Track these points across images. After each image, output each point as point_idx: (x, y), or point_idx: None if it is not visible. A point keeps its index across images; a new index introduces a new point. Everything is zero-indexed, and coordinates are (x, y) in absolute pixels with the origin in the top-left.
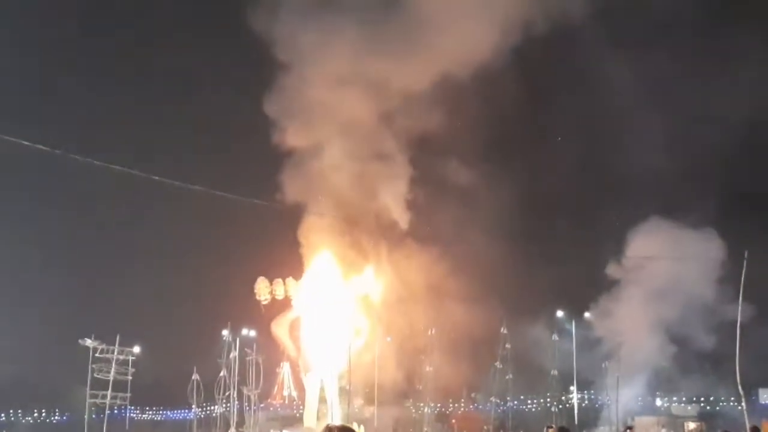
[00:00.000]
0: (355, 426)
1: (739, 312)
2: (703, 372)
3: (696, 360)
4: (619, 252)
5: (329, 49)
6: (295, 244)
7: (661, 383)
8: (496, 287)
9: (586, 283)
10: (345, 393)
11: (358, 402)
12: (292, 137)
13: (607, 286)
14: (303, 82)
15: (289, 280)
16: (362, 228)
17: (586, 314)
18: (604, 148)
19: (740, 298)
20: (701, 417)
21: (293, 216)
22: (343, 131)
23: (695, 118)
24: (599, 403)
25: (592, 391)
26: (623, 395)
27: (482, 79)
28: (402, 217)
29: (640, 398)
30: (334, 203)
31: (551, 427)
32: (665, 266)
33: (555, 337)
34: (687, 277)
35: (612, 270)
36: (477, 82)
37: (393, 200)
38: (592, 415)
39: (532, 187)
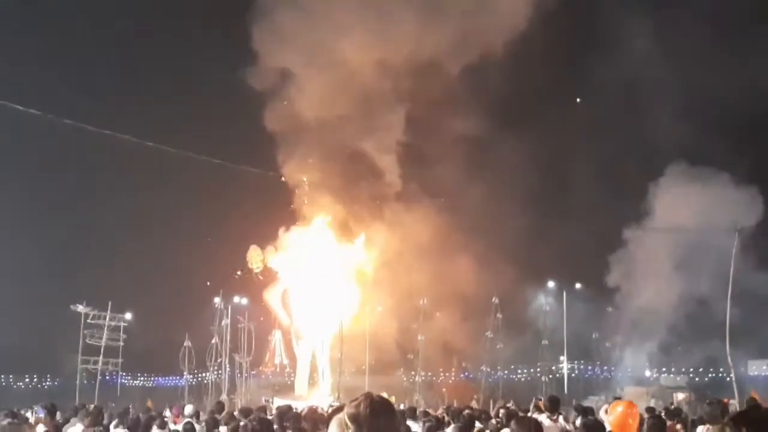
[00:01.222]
0: (393, 399)
1: (730, 286)
2: (707, 342)
3: (706, 330)
4: (637, 214)
5: None
6: (287, 211)
7: (657, 354)
8: (495, 252)
9: (597, 247)
10: (336, 361)
11: (349, 371)
12: (285, 107)
13: (619, 250)
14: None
15: (280, 248)
16: (354, 188)
17: (577, 285)
18: (627, 108)
19: (731, 270)
20: (691, 388)
21: (284, 182)
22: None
23: (723, 79)
24: (588, 373)
25: (582, 361)
26: (627, 364)
27: (500, 38)
28: (395, 176)
29: (630, 369)
30: (325, 164)
31: (540, 399)
32: (688, 225)
33: (546, 307)
34: (711, 241)
35: (629, 233)
36: (494, 40)
37: (387, 158)
38: (583, 385)
39: (542, 148)
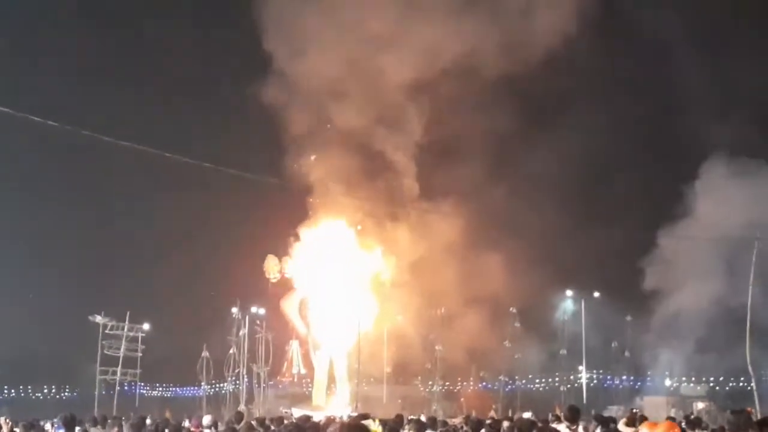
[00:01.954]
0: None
1: (750, 294)
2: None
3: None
4: (661, 216)
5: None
6: (303, 221)
7: (686, 361)
8: (514, 261)
9: (618, 255)
10: (354, 371)
11: (367, 380)
12: (300, 116)
13: (649, 254)
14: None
15: (296, 258)
16: (373, 195)
17: (596, 293)
18: (660, 104)
19: (751, 278)
20: (711, 397)
21: (301, 193)
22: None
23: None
24: (608, 383)
25: (601, 371)
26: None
27: (528, 40)
28: (413, 181)
29: (649, 378)
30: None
31: (557, 416)
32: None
33: (565, 316)
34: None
35: (663, 239)
36: (523, 43)
37: (407, 163)
38: (602, 394)
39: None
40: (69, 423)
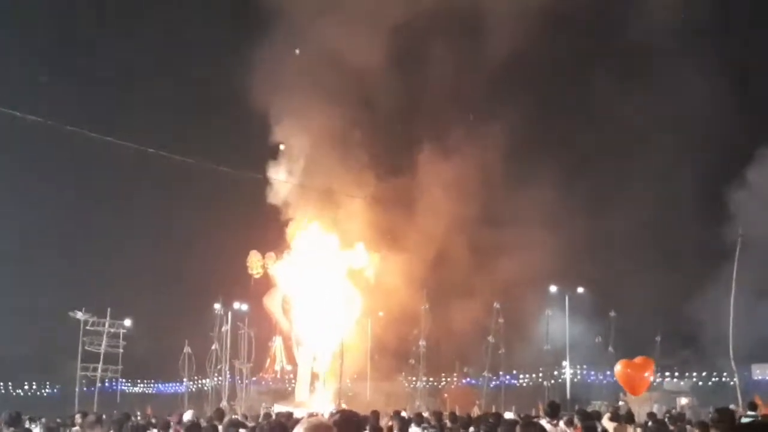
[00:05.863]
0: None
1: (733, 288)
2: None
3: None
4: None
5: None
6: (285, 217)
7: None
8: (498, 256)
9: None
10: (337, 367)
11: (350, 377)
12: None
13: None
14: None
15: (279, 254)
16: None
17: (579, 289)
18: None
19: (734, 274)
20: (694, 392)
21: (283, 188)
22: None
23: None
24: (591, 378)
25: (585, 366)
26: None
27: None
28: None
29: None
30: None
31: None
32: None
33: (548, 312)
34: None
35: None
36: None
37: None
38: (585, 390)
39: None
40: (14, 421)
